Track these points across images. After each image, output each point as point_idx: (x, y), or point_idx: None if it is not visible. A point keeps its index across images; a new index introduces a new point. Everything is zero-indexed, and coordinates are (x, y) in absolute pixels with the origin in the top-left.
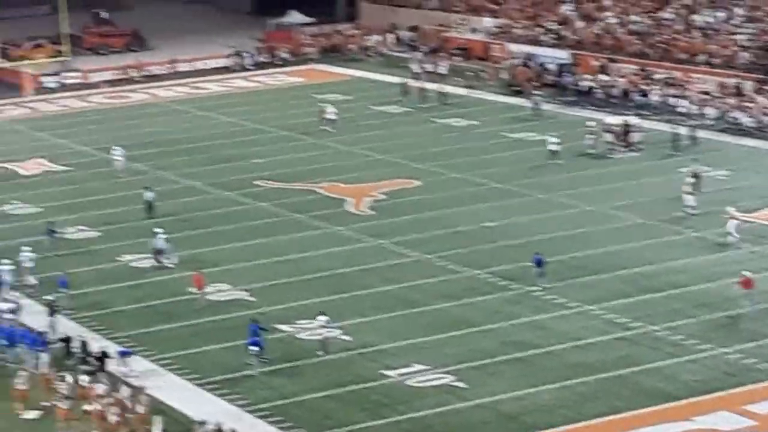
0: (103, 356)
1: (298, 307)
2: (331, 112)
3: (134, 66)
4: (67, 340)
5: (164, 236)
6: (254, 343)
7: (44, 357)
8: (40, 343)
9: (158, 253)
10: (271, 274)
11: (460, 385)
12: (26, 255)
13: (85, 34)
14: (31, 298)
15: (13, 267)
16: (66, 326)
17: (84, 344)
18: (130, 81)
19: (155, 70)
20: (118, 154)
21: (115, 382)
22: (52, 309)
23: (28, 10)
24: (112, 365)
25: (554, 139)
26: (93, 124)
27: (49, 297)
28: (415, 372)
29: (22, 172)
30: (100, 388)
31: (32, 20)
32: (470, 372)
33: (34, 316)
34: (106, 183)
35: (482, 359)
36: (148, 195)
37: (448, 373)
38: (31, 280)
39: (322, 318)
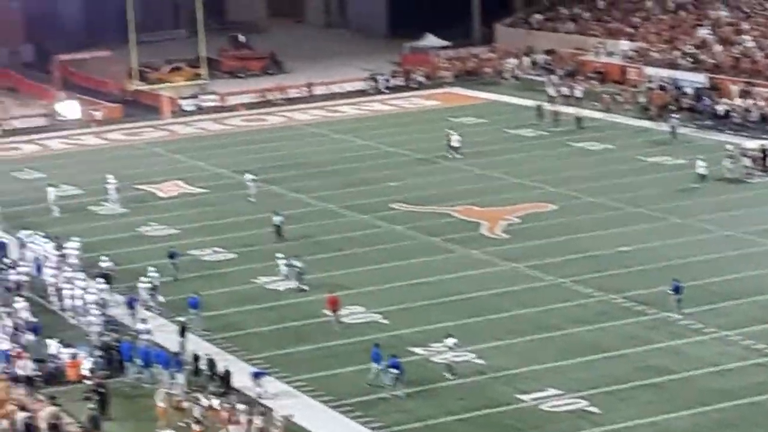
0: (227, 375)
1: (432, 330)
2: (455, 139)
3: (271, 89)
4: (195, 359)
5: (292, 261)
6: (394, 365)
7: (180, 378)
8: (176, 364)
9: (299, 276)
10: (405, 297)
11: (594, 410)
12: (152, 275)
13: (223, 57)
14: (162, 317)
15: (150, 285)
16: (197, 347)
17: (212, 362)
18: (266, 104)
19: (292, 93)
20: (250, 178)
21: (246, 402)
22: (183, 329)
23: (166, 34)
24: (243, 385)
25: (703, 163)
26: (229, 146)
27: (181, 318)
28: (549, 396)
29: (159, 194)
30: (232, 410)
31: (171, 44)
32: (604, 397)
33: (166, 336)
34: (242, 205)
35: (616, 384)
36: (277, 219)
37: (581, 398)
38: (159, 299)
39: (450, 341)
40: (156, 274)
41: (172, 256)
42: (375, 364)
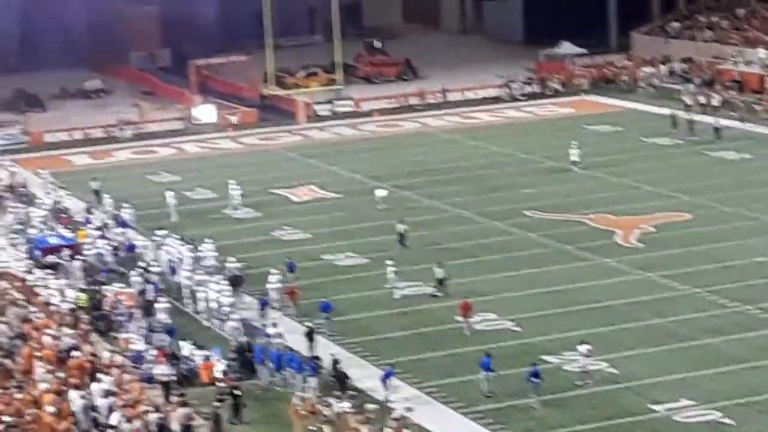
0: (344, 377)
1: (565, 338)
2: (575, 153)
3: (405, 95)
4: (316, 358)
5: (434, 268)
6: (535, 374)
7: (312, 382)
8: (310, 368)
9: (440, 283)
10: (538, 305)
11: (728, 422)
12: (275, 278)
13: (359, 63)
14: (293, 320)
15: (278, 285)
16: (328, 350)
17: (335, 362)
18: (401, 110)
19: (426, 99)
20: (381, 195)
21: (375, 405)
22: (311, 333)
23: (302, 39)
24: (373, 389)
25: None
26: (364, 152)
27: (309, 323)
28: (682, 407)
29: (293, 198)
30: (363, 413)
31: (307, 49)
32: (738, 409)
33: (297, 339)
34: (375, 210)
35: (751, 396)
36: (401, 227)
37: (715, 409)
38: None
39: (584, 347)
40: (278, 276)
41: (291, 269)
42: (484, 371)
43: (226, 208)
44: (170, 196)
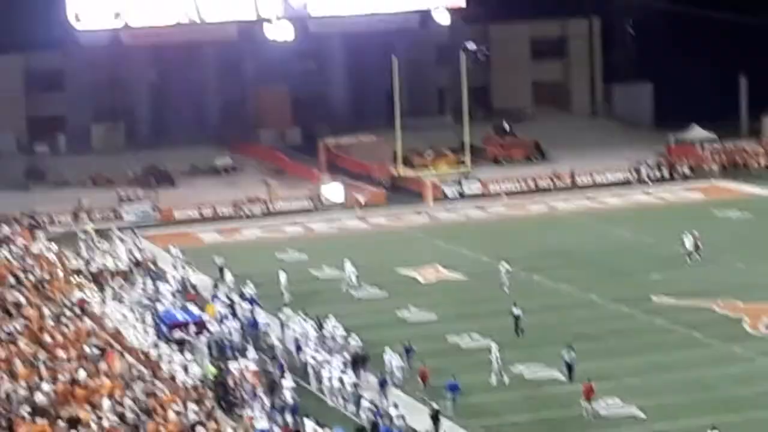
0: None
1: (690, 425)
2: (689, 243)
3: (534, 177)
4: None
5: (562, 352)
6: None
7: None
8: None
9: (568, 367)
10: (663, 391)
11: None
12: (397, 358)
13: (487, 144)
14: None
15: (402, 365)
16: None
17: None
18: (529, 192)
19: (554, 182)
20: (505, 269)
21: None
22: (437, 415)
23: (432, 120)
24: None
25: None
26: (491, 233)
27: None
28: None
29: (419, 278)
30: None
31: (436, 130)
32: None
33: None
34: (500, 293)
35: None
36: (516, 311)
37: None
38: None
39: None
40: (395, 354)
41: (407, 351)
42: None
43: (348, 288)
44: (283, 277)
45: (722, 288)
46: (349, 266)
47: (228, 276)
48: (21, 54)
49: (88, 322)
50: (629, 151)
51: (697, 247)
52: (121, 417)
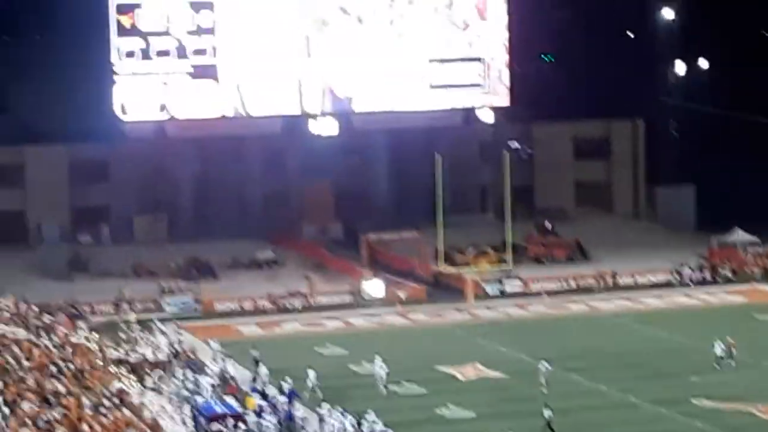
0: None
1: None
2: (719, 349)
3: (575, 277)
4: None
5: None
6: None
7: None
8: None
9: None
10: None
11: None
12: None
13: (529, 243)
14: None
15: None
16: None
17: None
18: (570, 292)
19: (595, 282)
20: (544, 367)
21: None
22: None
23: (473, 218)
24: None
25: None
26: (531, 332)
27: None
28: None
29: (458, 376)
30: None
31: (477, 227)
32: None
33: None
34: (540, 392)
35: None
36: (546, 413)
37: None
38: None
39: None
40: None
41: None
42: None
43: (386, 384)
44: (312, 374)
45: (763, 392)
46: (379, 363)
47: (263, 369)
48: (66, 144)
49: (126, 413)
50: (671, 253)
51: (730, 353)
52: None
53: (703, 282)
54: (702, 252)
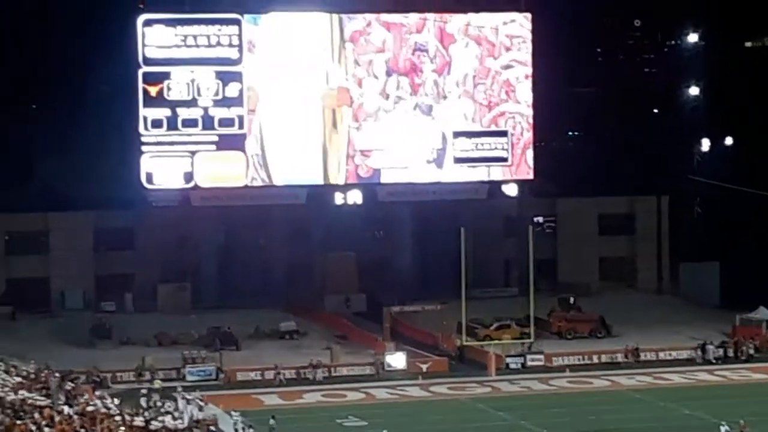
0: None
1: None
2: (723, 430)
3: (598, 352)
4: None
5: None
6: None
7: None
8: None
9: None
10: None
11: None
12: None
13: (552, 317)
14: None
15: None
16: None
17: None
18: (592, 367)
19: (618, 357)
20: None
21: None
22: None
23: (497, 291)
24: None
25: None
26: (553, 407)
27: None
28: None
29: None
30: None
31: (501, 301)
32: None
33: None
34: None
35: None
36: None
37: None
38: None
39: None
40: None
41: None
42: None
43: None
44: None
45: None
46: None
47: None
48: (91, 212)
49: None
50: (694, 330)
51: None
52: None
53: (725, 359)
54: (725, 329)
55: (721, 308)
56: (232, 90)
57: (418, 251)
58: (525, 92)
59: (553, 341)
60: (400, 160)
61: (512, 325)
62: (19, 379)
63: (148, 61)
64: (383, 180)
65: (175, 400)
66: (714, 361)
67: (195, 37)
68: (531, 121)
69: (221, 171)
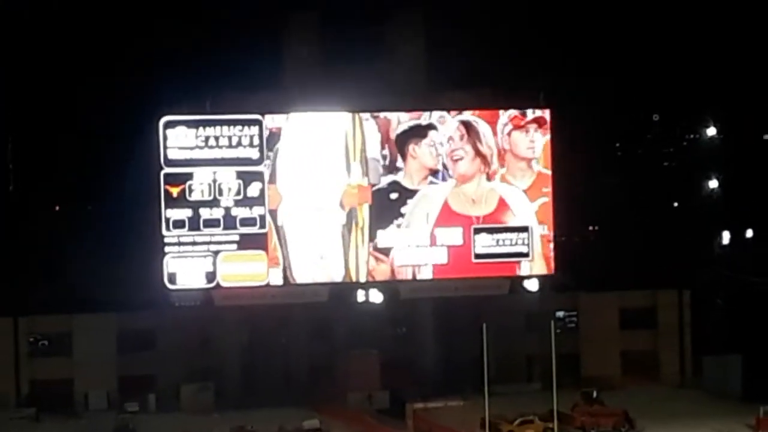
0: None
1: None
2: None
3: None
4: None
5: None
6: None
7: None
8: None
9: None
10: None
11: None
12: None
13: (575, 412)
14: None
15: None
16: None
17: None
18: None
19: None
20: None
21: None
22: None
23: (519, 387)
24: None
25: None
26: None
27: None
28: None
29: None
30: None
31: (523, 396)
32: None
33: None
34: None
35: None
36: None
37: None
38: None
39: None
40: None
41: None
42: None
43: None
44: None
45: None
46: None
47: None
48: (114, 313)
49: None
50: (718, 423)
51: None
52: None
53: None
54: (749, 421)
55: (744, 401)
56: (253, 190)
57: (441, 347)
58: (545, 183)
59: None
60: (420, 257)
61: (535, 420)
62: None
63: (169, 162)
64: (404, 277)
65: None
66: None
67: (216, 138)
68: (551, 214)
69: (243, 270)
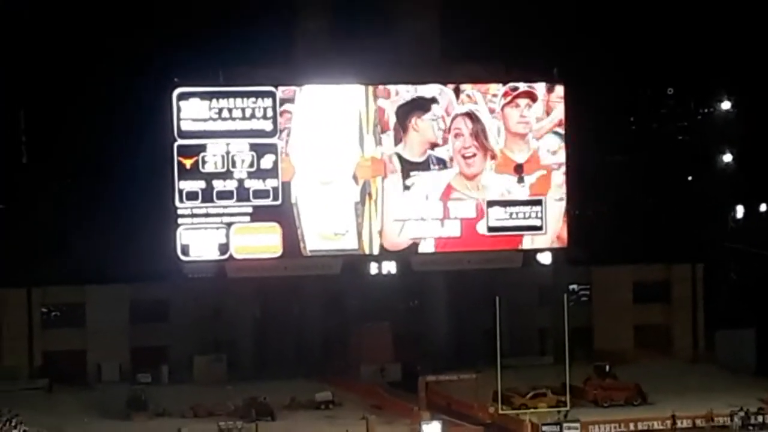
0: None
1: None
2: None
3: (634, 420)
4: None
5: None
6: None
7: None
8: None
9: None
10: None
11: None
12: None
13: (588, 386)
14: None
15: None
16: None
17: None
18: None
19: (655, 425)
20: None
21: None
22: None
23: (532, 360)
24: None
25: None
26: None
27: None
28: None
29: None
30: None
31: (536, 370)
32: None
33: None
34: None
35: None
36: None
37: None
38: None
39: None
40: None
41: None
42: None
43: None
44: None
45: None
46: None
47: None
48: (127, 284)
49: None
50: (731, 397)
51: None
52: None
53: (763, 426)
54: (762, 395)
55: (757, 375)
56: (266, 162)
57: (453, 320)
58: (560, 158)
59: (589, 409)
60: (433, 230)
61: (548, 393)
62: None
63: (183, 134)
64: (417, 249)
65: None
66: (751, 428)
67: (230, 110)
68: (565, 187)
69: (256, 242)
